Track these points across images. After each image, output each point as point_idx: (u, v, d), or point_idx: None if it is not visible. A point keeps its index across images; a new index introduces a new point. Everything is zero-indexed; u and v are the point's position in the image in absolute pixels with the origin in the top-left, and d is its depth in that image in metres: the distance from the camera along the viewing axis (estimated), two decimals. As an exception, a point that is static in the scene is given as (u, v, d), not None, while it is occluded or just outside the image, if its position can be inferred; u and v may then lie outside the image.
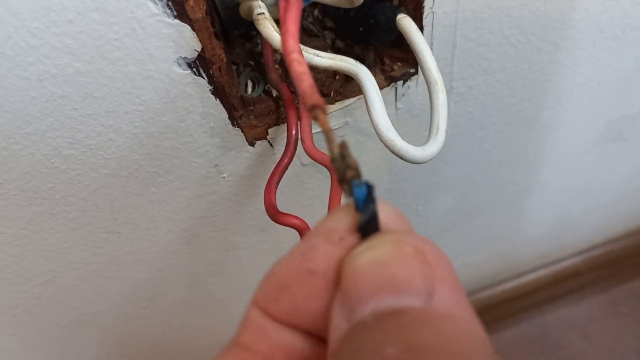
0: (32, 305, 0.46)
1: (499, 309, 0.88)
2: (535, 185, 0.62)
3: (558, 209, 0.71)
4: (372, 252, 0.15)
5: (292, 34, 0.23)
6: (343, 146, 0.20)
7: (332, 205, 0.31)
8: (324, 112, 0.20)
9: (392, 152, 0.31)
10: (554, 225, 0.76)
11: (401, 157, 0.30)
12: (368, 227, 0.20)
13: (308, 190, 0.45)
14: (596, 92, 0.50)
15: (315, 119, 0.20)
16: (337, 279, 0.16)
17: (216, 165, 0.39)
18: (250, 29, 0.40)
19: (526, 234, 0.75)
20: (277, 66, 0.39)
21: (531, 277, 0.88)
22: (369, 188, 0.20)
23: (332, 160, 0.20)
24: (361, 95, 0.40)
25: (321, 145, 0.37)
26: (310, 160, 0.44)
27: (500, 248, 0.77)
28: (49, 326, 0.50)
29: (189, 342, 0.63)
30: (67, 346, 0.54)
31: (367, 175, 0.48)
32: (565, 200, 0.69)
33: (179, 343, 0.63)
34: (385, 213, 0.18)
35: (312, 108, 0.20)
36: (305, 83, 0.20)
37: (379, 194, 0.56)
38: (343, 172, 0.20)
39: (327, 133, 0.20)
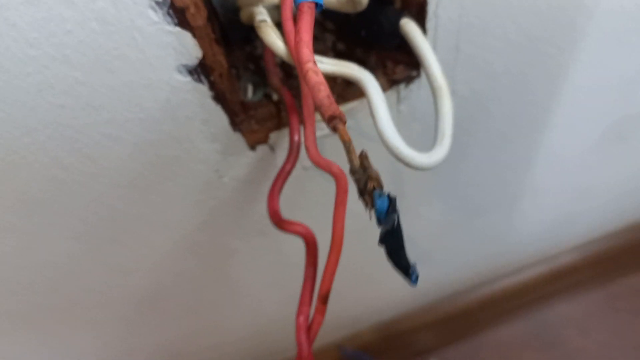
0: (31, 313, 0.45)
1: (498, 306, 0.88)
2: (536, 186, 0.62)
3: (558, 208, 0.71)
4: None
5: (307, 43, 0.23)
6: (363, 157, 0.20)
7: (337, 214, 0.31)
8: (343, 122, 0.19)
9: (398, 159, 0.30)
10: (553, 223, 0.76)
11: (407, 165, 0.30)
12: (389, 238, 0.20)
13: (309, 193, 0.45)
14: (598, 93, 0.50)
15: (335, 129, 0.19)
16: None
17: (217, 170, 0.39)
18: (249, 33, 0.40)
19: (525, 232, 0.75)
20: (277, 69, 0.38)
21: (529, 273, 0.88)
22: (391, 200, 0.19)
23: (353, 171, 0.20)
24: (362, 98, 0.39)
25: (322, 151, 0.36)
26: (311, 164, 0.44)
27: (499, 246, 0.77)
28: (50, 334, 0.49)
29: (189, 345, 0.63)
30: (65, 354, 0.54)
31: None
32: (565, 200, 0.69)
33: (179, 345, 0.62)
34: None
35: (331, 119, 0.19)
36: (323, 93, 0.19)
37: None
38: (364, 183, 0.19)
39: (347, 144, 0.20)
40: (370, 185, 0.20)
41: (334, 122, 0.19)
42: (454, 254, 0.73)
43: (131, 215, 0.39)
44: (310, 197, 0.45)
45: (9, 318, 0.45)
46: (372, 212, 0.21)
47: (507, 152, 0.53)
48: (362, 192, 0.20)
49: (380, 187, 0.20)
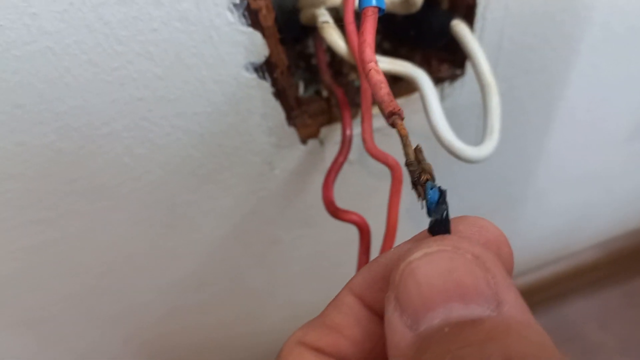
0: (87, 295, 0.48)
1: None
2: (561, 179, 0.64)
3: (578, 203, 0.73)
4: (432, 258, 0.15)
5: (369, 44, 0.25)
6: (418, 150, 0.22)
7: (392, 201, 0.33)
8: (402, 118, 0.21)
9: (449, 151, 0.32)
10: (573, 218, 0.78)
11: (458, 157, 0.32)
12: (438, 228, 0.21)
13: (352, 186, 0.47)
14: (627, 92, 0.51)
15: (393, 124, 0.21)
16: (389, 285, 0.16)
17: (269, 162, 0.41)
18: (300, 33, 0.42)
19: (547, 227, 0.77)
20: (328, 68, 0.41)
21: (550, 269, 0.90)
22: (442, 192, 0.21)
23: (408, 163, 0.22)
24: (409, 95, 0.41)
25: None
26: (356, 158, 0.46)
27: (521, 241, 0.79)
28: (100, 315, 0.52)
29: (226, 330, 0.65)
30: (113, 336, 0.56)
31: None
32: (586, 194, 0.71)
33: (216, 332, 0.65)
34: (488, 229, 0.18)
35: (391, 114, 0.21)
36: (384, 91, 0.21)
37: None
38: (418, 175, 0.21)
39: (404, 138, 0.22)
40: (423, 177, 0.22)
41: (393, 117, 0.21)
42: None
43: (188, 202, 0.41)
44: (354, 190, 0.47)
45: (69, 298, 0.47)
46: (424, 202, 0.22)
47: (536, 147, 0.55)
48: (416, 184, 0.22)
49: (433, 179, 0.22)
